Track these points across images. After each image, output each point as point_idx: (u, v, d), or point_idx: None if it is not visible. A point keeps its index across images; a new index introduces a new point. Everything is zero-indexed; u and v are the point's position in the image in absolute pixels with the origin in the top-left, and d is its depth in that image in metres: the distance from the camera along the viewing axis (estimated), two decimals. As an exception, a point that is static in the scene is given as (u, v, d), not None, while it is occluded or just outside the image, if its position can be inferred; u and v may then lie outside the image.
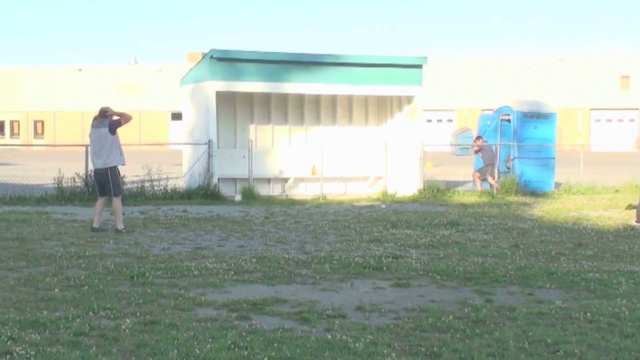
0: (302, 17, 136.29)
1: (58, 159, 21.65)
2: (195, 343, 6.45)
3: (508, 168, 22.03)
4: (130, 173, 18.24)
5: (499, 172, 21.48)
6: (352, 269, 9.88)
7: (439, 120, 61.97)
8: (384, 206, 18.24)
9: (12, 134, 70.28)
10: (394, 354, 6.26)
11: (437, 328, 7.07)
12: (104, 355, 6.14)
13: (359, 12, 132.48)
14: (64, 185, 18.55)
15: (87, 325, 6.96)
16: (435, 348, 6.42)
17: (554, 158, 22.68)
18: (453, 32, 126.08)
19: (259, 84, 20.38)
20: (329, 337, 6.70)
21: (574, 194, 21.49)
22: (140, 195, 18.76)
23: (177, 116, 49.38)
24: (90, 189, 18.17)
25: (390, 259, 10.62)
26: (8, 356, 6.07)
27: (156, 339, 6.58)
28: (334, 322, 7.23)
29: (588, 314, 7.59)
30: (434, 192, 20.49)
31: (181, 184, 20.60)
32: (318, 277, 9.40)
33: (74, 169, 19.21)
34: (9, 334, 6.62)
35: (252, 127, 21.78)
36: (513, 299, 8.32)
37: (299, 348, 6.36)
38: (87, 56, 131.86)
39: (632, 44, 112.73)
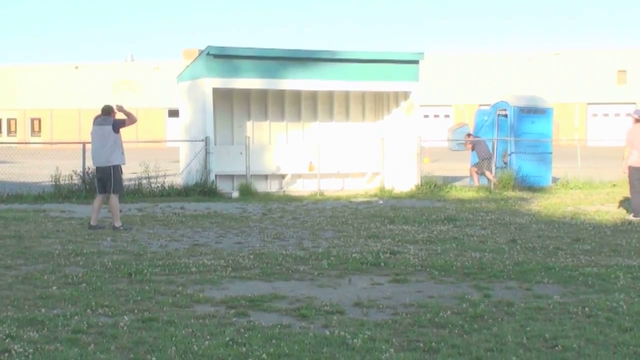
0: (298, 14, 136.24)
1: (55, 157, 21.62)
2: (194, 340, 6.45)
3: (505, 163, 22.04)
4: (128, 170, 18.14)
5: (496, 167, 21.49)
6: (350, 265, 9.88)
7: (436, 116, 61.95)
8: (381, 202, 18.25)
9: (9, 131, 70.17)
10: (392, 350, 6.26)
11: (435, 323, 7.07)
12: (102, 353, 6.13)
13: (355, 8, 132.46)
14: (62, 183, 18.55)
15: (85, 322, 6.95)
16: (433, 343, 6.42)
17: (551, 153, 22.68)
18: (450, 28, 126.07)
19: (256, 80, 20.37)
20: (327, 333, 6.71)
21: (571, 188, 21.51)
22: (138, 193, 18.76)
23: (174, 113, 49.28)
24: (87, 187, 18.17)
25: (388, 255, 10.63)
26: (6, 354, 6.07)
27: (154, 336, 6.58)
28: (332, 318, 7.23)
29: (586, 309, 7.60)
30: (432, 187, 20.51)
31: (178, 181, 20.60)
32: (316, 274, 9.40)
33: (71, 166, 19.20)
34: (7, 332, 6.61)
35: (249, 124, 21.77)
36: (511, 294, 8.33)
37: (297, 344, 6.36)
38: (84, 54, 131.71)
39: (629, 39, 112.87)
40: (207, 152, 19.59)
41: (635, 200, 15.06)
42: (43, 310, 7.42)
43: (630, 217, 14.89)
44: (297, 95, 22.10)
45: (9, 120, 70.38)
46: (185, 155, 21.09)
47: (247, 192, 19.31)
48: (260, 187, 20.54)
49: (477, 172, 21.96)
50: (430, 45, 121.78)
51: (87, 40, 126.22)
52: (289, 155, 21.85)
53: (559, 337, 6.61)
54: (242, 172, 20.24)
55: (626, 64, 61.26)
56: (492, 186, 20.81)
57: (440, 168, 25.39)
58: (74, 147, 21.54)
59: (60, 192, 18.24)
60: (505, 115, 22.52)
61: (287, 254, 10.73)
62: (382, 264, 10.01)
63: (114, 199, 13.40)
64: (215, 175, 19.86)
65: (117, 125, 13.40)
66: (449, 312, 7.43)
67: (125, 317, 7.15)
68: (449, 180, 22.09)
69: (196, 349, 6.21)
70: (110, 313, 7.35)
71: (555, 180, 22.51)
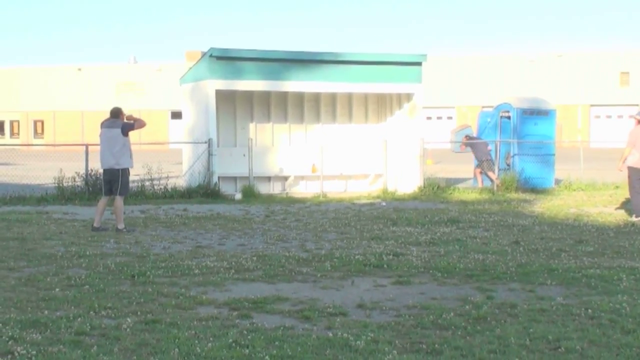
0: (301, 16, 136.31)
1: (58, 159, 21.65)
2: (197, 342, 6.45)
3: (508, 165, 22.05)
4: (131, 172, 18.21)
5: (499, 169, 21.49)
6: (353, 267, 9.88)
7: (439, 118, 61.94)
8: (384, 204, 18.24)
9: (12, 133, 70.27)
10: (395, 352, 6.26)
11: (438, 325, 7.07)
12: (105, 355, 6.14)
13: (358, 10, 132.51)
14: (64, 184, 18.56)
15: (88, 324, 6.96)
16: (436, 345, 6.42)
17: (554, 155, 22.69)
18: (452, 30, 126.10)
19: (259, 82, 20.38)
20: (330, 335, 6.71)
21: (574, 190, 21.49)
22: (141, 194, 18.77)
23: (177, 115, 49.37)
24: (90, 189, 18.18)
25: (391, 257, 10.62)
26: (9, 356, 6.07)
27: (157, 338, 6.59)
28: (335, 320, 7.23)
29: (589, 311, 7.59)
30: (434, 189, 20.50)
31: (181, 182, 20.61)
32: (319, 275, 9.40)
33: (74, 168, 19.21)
34: (10, 333, 6.62)
35: (252, 126, 21.78)
36: (514, 296, 8.32)
37: (300, 346, 6.36)
38: (87, 55, 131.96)
39: (631, 40, 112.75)
40: (209, 154, 19.60)
41: (635, 200, 15.05)
42: (46, 312, 7.43)
43: (633, 218, 14.87)
44: (300, 97, 22.10)
45: (11, 122, 70.48)
46: (188, 157, 21.10)
47: (250, 194, 19.31)
48: (263, 189, 20.54)
49: (481, 173, 21.98)
50: (433, 47, 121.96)
51: (90, 42, 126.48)
52: (291, 157, 21.85)
53: (562, 339, 6.61)
54: (245, 174, 20.25)
55: (629, 66, 61.22)
56: (495, 188, 20.81)
57: (443, 170, 25.38)
58: (76, 149, 21.60)
59: (63, 194, 18.25)
60: (508, 117, 22.53)
61: (290, 255, 10.74)
62: (385, 265, 10.01)
63: (119, 200, 13.42)
64: (218, 177, 19.85)
65: (126, 129, 13.42)
66: (451, 314, 7.42)
67: (128, 319, 7.15)
68: (451, 182, 22.08)
69: (199, 350, 6.21)
70: (113, 315, 7.36)
71: (558, 182, 22.49)
